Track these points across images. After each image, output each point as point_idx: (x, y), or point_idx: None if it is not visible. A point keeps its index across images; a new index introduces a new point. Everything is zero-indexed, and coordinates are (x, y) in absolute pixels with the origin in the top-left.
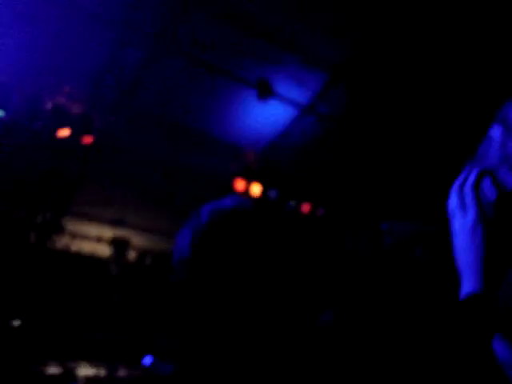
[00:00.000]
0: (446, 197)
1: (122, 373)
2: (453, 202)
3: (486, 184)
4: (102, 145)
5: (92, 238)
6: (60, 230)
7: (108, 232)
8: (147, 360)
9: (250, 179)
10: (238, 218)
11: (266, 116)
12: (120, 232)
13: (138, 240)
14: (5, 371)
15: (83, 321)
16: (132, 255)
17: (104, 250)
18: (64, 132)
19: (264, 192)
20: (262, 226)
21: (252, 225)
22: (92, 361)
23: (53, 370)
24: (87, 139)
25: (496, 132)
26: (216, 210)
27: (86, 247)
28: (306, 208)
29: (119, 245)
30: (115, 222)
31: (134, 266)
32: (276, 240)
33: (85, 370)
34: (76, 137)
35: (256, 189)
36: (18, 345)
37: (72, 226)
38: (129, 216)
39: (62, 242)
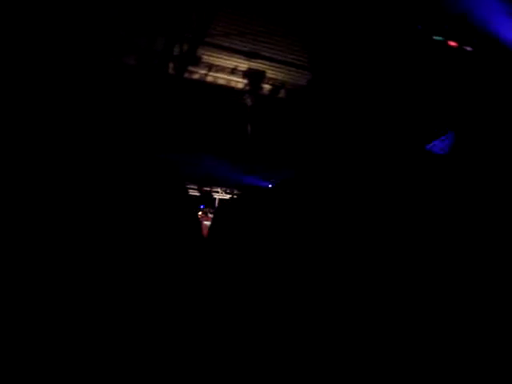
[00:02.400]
0: None
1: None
2: None
3: None
4: None
5: (227, 70)
6: (196, 62)
7: (243, 64)
8: None
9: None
10: None
11: None
12: (255, 64)
13: (272, 73)
14: None
15: (217, 150)
16: (266, 88)
17: (239, 82)
18: None
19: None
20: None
21: None
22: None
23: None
24: None
25: None
26: None
27: (221, 78)
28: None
29: (254, 77)
30: (250, 54)
31: (267, 98)
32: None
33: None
34: None
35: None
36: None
37: (208, 57)
38: (264, 48)
39: (198, 73)
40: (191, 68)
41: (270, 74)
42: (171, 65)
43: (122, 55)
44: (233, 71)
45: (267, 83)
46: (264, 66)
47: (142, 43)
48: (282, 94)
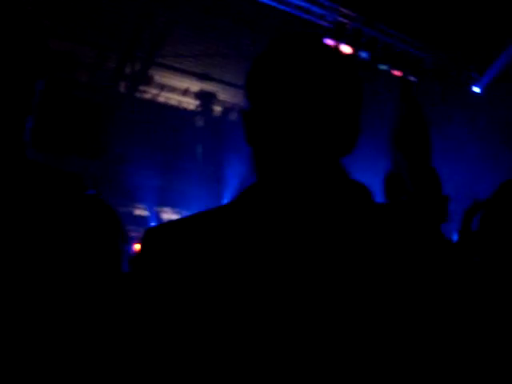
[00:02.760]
0: None
1: None
2: None
3: None
4: None
5: (179, 90)
6: (148, 81)
7: (195, 85)
8: None
9: (339, 40)
10: None
11: None
12: (206, 85)
13: (224, 95)
14: None
15: (164, 169)
16: (217, 110)
17: (190, 103)
18: None
19: (355, 53)
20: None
21: None
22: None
23: (139, 212)
24: None
25: None
26: None
27: (173, 99)
28: (397, 74)
29: (205, 98)
30: (202, 76)
31: (218, 120)
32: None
33: (167, 215)
34: None
35: (346, 50)
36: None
37: (160, 77)
38: (216, 70)
39: (150, 92)
40: (143, 87)
41: (221, 96)
42: (123, 83)
43: (74, 71)
44: (185, 92)
45: (218, 105)
46: (215, 89)
47: (93, 60)
48: (233, 116)
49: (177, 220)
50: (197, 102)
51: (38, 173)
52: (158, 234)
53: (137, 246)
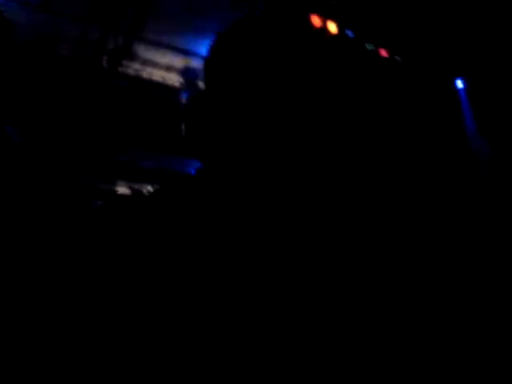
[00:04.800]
0: None
1: None
2: None
3: None
4: None
5: (162, 66)
6: (131, 56)
7: (179, 61)
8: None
9: (326, 16)
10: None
11: None
12: (191, 62)
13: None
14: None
15: (150, 147)
16: (202, 86)
17: (174, 80)
18: None
19: (341, 31)
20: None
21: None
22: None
23: (122, 189)
24: None
25: None
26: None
27: (157, 75)
28: (383, 53)
29: (190, 75)
30: (187, 52)
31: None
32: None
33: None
34: None
35: (332, 27)
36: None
37: (143, 52)
38: (200, 45)
39: (132, 68)
40: (126, 62)
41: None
42: (105, 57)
43: (55, 44)
44: (168, 68)
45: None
46: (201, 64)
47: (76, 33)
48: None
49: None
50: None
51: None
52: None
53: None
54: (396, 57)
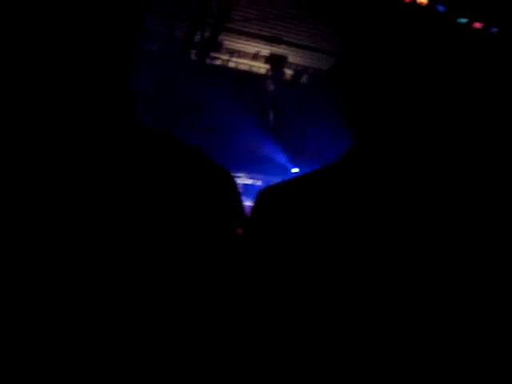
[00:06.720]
0: None
1: None
2: None
3: None
4: None
5: (249, 55)
6: (218, 48)
7: (265, 49)
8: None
9: None
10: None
11: None
12: (277, 49)
13: (294, 58)
14: None
15: (239, 135)
16: (288, 73)
17: (261, 67)
18: None
19: (431, 3)
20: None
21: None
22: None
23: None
24: None
25: None
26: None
27: (244, 64)
28: (477, 25)
29: (276, 62)
30: (272, 39)
31: (289, 83)
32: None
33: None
34: None
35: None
36: None
37: (229, 43)
38: (286, 33)
39: (220, 59)
40: (213, 54)
41: (292, 59)
42: (193, 51)
43: (144, 42)
44: (255, 57)
45: (289, 68)
46: (286, 52)
47: (163, 31)
48: (304, 79)
49: (285, 182)
50: (267, 66)
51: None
52: (270, 195)
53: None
54: (493, 28)
